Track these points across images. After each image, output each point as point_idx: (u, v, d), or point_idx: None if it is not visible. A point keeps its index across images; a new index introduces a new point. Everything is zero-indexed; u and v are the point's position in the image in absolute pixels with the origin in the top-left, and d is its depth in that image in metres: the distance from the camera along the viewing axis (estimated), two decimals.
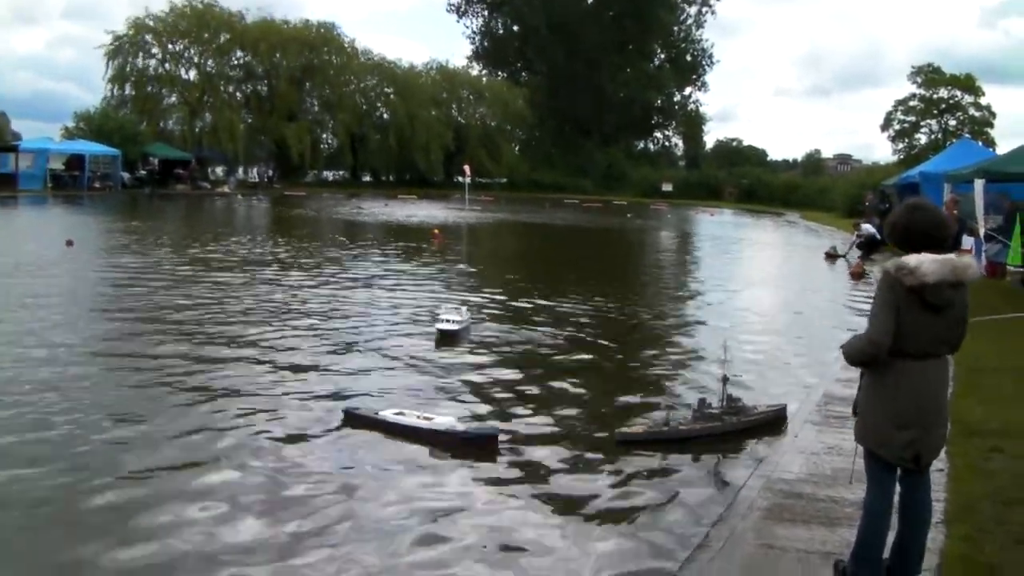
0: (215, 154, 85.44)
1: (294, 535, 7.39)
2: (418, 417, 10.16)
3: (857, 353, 5.89)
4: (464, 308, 16.49)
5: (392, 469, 9.06)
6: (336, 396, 11.64)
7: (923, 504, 5.95)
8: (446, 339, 15.25)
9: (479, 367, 13.66)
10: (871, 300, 5.89)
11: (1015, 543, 6.66)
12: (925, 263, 5.52)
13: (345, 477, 8.75)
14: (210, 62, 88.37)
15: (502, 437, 9.93)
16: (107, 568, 6.81)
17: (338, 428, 10.34)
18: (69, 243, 28.87)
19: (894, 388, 5.74)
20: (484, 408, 11.41)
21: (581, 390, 12.46)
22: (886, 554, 5.99)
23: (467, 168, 72.24)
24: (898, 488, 5.95)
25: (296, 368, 13.15)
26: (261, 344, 14.73)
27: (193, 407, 10.92)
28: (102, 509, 7.82)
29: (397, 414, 10.28)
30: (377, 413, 10.41)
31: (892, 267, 5.64)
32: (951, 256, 5.61)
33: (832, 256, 34.19)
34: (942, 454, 8.14)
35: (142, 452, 9.19)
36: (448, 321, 15.54)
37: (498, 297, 20.71)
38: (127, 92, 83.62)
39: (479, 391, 12.27)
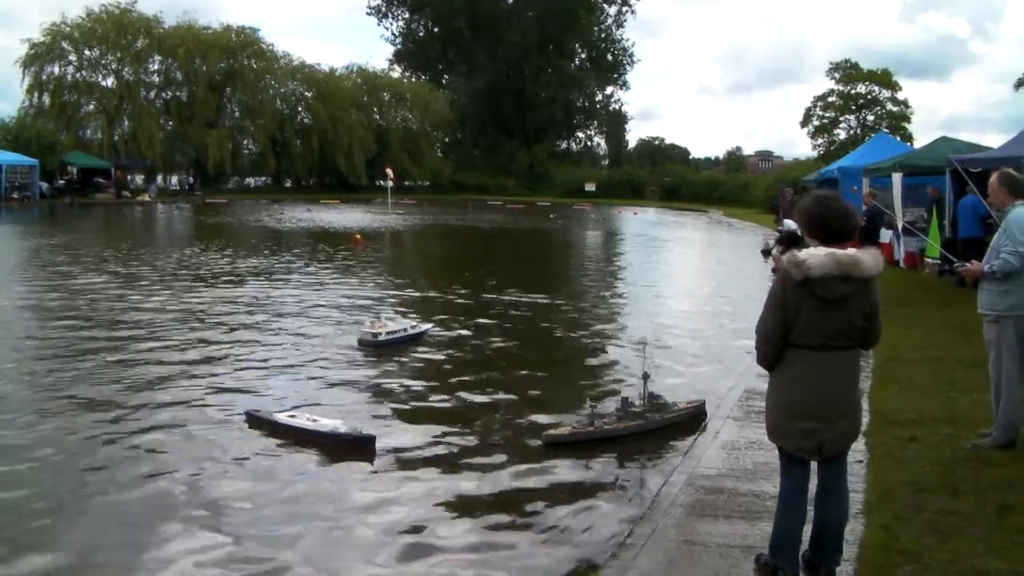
0: (135, 162, 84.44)
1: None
2: (307, 419, 10.29)
3: (758, 359, 6.10)
4: (398, 316, 16.44)
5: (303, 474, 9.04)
6: (250, 399, 11.72)
7: (838, 493, 6.02)
8: (373, 346, 15.14)
9: (398, 373, 13.58)
10: None
11: (932, 530, 6.74)
12: (812, 257, 5.61)
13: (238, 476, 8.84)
14: (128, 68, 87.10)
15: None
16: None
17: (240, 429, 10.50)
18: None
19: (788, 379, 5.87)
20: (405, 414, 11.37)
21: (505, 393, 12.42)
22: (806, 545, 6.04)
23: (389, 171, 71.74)
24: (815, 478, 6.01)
25: (212, 372, 13.11)
26: (181, 350, 14.58)
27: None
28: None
29: (289, 416, 10.44)
30: (272, 415, 10.55)
31: (787, 260, 5.71)
32: (838, 250, 5.66)
33: (767, 252, 34.44)
34: (860, 444, 8.26)
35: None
36: (377, 330, 15.40)
37: (417, 300, 20.69)
38: (44, 100, 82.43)
39: (399, 397, 12.22)
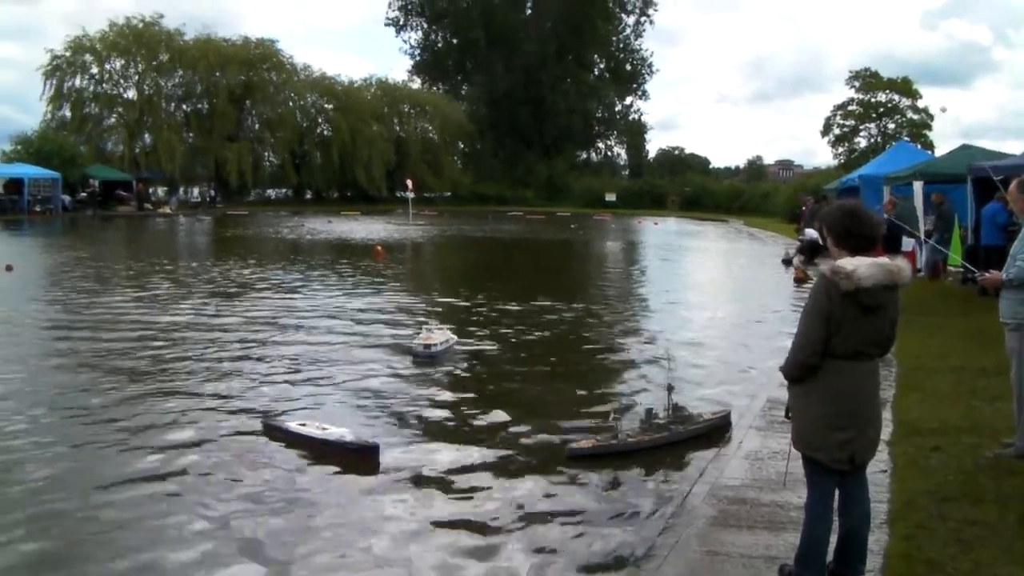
0: (156, 174, 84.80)
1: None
2: (317, 427, 10.35)
3: (793, 371, 5.99)
4: (444, 328, 16.48)
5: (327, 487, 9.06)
6: (273, 407, 11.78)
7: (862, 503, 6.02)
8: (426, 358, 15.14)
9: (421, 383, 13.64)
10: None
11: (955, 540, 6.74)
12: (861, 267, 5.56)
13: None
14: (149, 81, 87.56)
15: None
16: None
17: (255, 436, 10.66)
18: (8, 268, 28.54)
19: (827, 390, 5.80)
20: (427, 423, 11.42)
21: (527, 404, 12.45)
22: (830, 556, 6.05)
23: (410, 183, 71.79)
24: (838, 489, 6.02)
25: (238, 380, 13.16)
26: (205, 361, 14.69)
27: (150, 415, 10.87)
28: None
29: (300, 424, 10.53)
30: (285, 424, 10.65)
31: (828, 271, 5.68)
32: (885, 259, 5.67)
33: (788, 262, 34.31)
34: (884, 454, 8.27)
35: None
36: (430, 342, 15.39)
37: (440, 311, 20.65)
38: (65, 113, 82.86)
39: (421, 407, 12.28)
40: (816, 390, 5.85)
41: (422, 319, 18.41)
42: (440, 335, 15.71)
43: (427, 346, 15.26)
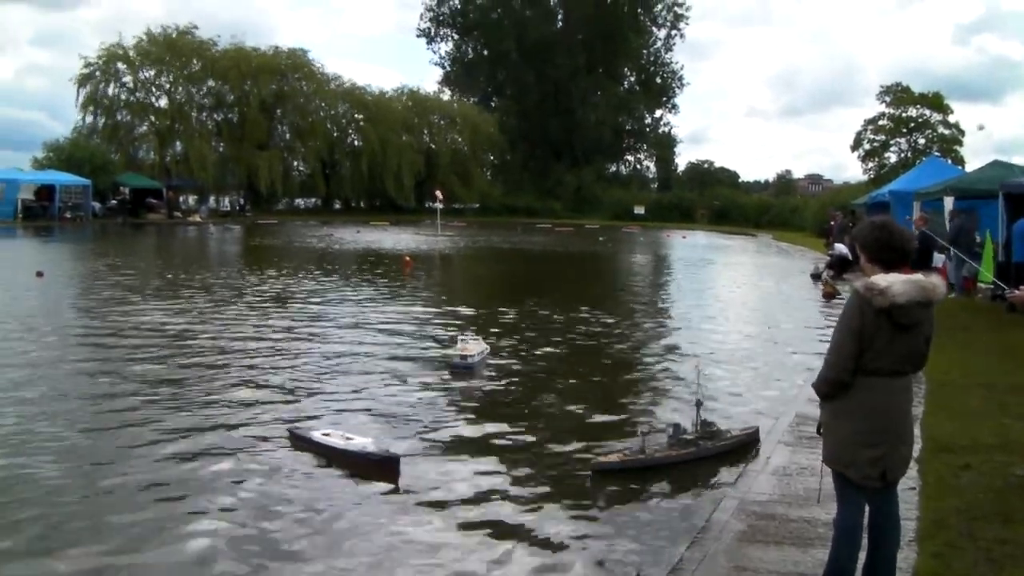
0: (186, 182, 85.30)
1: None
2: (341, 437, 10.33)
3: (824, 388, 5.94)
4: (479, 339, 16.43)
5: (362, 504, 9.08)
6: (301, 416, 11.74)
7: (892, 521, 5.97)
8: (464, 369, 15.12)
9: (448, 394, 13.66)
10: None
11: (985, 559, 6.69)
12: (895, 284, 5.53)
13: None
14: (180, 90, 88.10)
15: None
16: None
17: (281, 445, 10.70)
18: (39, 274, 28.74)
19: (859, 407, 5.75)
20: (455, 437, 11.37)
21: (554, 417, 12.44)
22: (859, 574, 6.01)
23: (439, 194, 72.08)
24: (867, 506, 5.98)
25: (281, 391, 13.19)
26: (238, 371, 14.74)
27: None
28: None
29: (324, 434, 10.51)
30: (310, 433, 10.64)
31: (861, 287, 5.65)
32: (920, 276, 5.64)
33: (817, 277, 34.15)
34: (913, 471, 8.21)
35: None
36: (466, 352, 15.34)
37: (469, 323, 20.62)
38: (98, 120, 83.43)
39: (446, 419, 12.27)
40: (848, 407, 5.81)
41: (452, 330, 18.45)
42: (476, 346, 15.69)
43: (464, 356, 15.23)
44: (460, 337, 16.06)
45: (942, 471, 8.91)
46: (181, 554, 7.58)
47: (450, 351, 15.77)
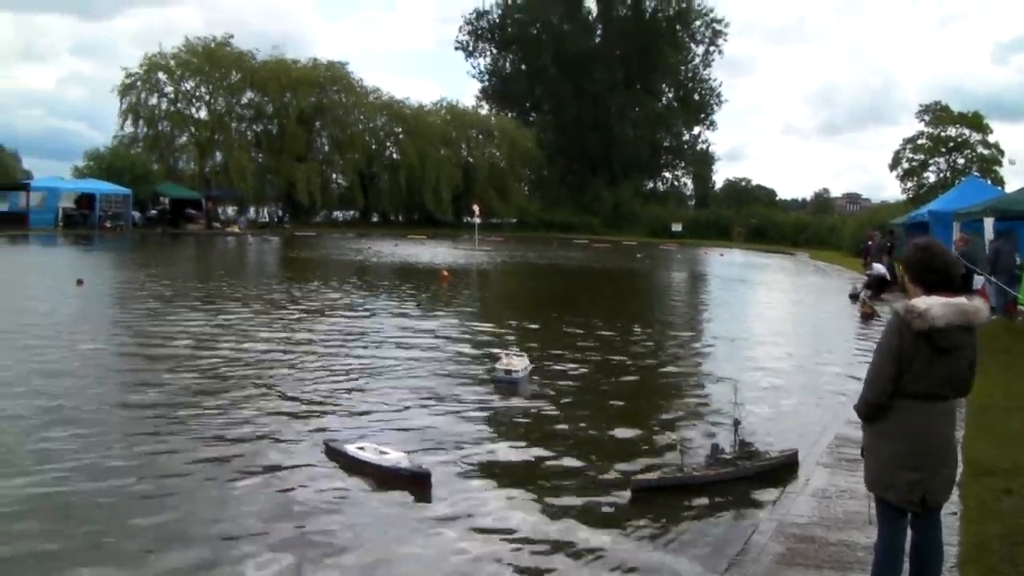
0: (225, 193, 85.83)
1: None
2: (376, 450, 10.35)
3: (864, 409, 5.95)
4: (523, 354, 16.51)
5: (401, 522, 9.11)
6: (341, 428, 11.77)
7: (934, 546, 5.96)
8: (508, 384, 15.19)
9: (484, 409, 13.66)
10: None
11: None
12: (935, 307, 5.54)
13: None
14: (220, 101, 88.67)
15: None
16: None
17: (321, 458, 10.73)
18: (79, 283, 28.98)
19: (897, 430, 5.77)
20: (490, 454, 11.38)
21: (594, 435, 12.40)
22: None
23: (476, 208, 72.14)
24: (910, 531, 5.97)
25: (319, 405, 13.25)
26: (280, 384, 14.82)
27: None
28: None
29: (359, 448, 10.53)
30: (344, 447, 10.65)
31: (901, 309, 5.67)
32: (961, 299, 5.63)
33: (855, 297, 33.99)
34: (954, 495, 8.15)
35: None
36: (511, 368, 15.45)
37: (506, 338, 20.60)
38: (139, 130, 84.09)
39: (486, 435, 12.29)
40: (887, 429, 5.83)
41: (489, 345, 18.46)
42: (519, 361, 15.75)
43: (508, 372, 15.31)
44: (504, 353, 16.10)
45: (983, 495, 8.86)
46: (212, 560, 7.66)
47: (495, 366, 15.80)
